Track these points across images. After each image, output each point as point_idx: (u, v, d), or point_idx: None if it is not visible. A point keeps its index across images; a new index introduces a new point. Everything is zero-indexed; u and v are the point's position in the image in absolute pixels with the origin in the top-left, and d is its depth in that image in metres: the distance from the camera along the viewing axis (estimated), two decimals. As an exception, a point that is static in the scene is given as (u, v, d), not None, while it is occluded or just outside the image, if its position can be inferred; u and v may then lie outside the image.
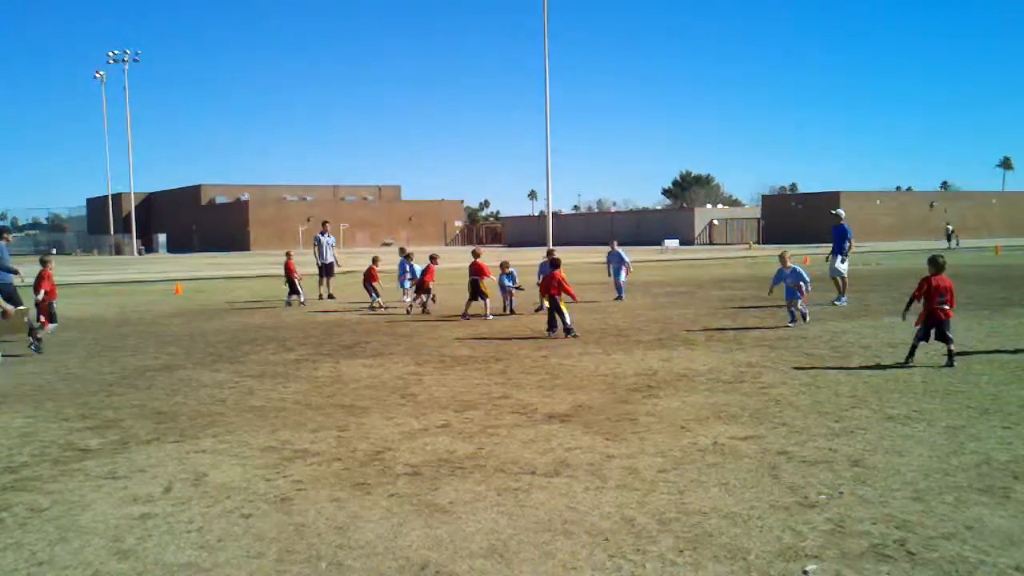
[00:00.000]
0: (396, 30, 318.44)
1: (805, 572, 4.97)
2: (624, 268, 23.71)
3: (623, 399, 10.03)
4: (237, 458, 7.80)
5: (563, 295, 15.63)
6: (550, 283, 15.60)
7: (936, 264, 11.66)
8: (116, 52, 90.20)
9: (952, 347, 11.46)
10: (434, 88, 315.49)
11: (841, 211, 22.31)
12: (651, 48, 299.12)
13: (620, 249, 24.03)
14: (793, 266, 16.70)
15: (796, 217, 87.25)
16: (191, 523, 6.07)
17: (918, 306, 11.80)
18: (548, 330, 15.75)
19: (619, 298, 23.21)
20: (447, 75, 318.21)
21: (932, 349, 11.97)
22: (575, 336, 15.37)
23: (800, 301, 16.52)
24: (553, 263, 16.29)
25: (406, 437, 8.42)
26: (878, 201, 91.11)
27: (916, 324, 11.78)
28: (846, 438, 7.97)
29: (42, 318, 17.05)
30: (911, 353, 11.77)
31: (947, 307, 11.43)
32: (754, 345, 14.04)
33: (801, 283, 16.35)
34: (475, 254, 19.72)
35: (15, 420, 9.62)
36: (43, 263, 18.03)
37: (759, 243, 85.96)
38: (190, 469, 7.47)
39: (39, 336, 15.01)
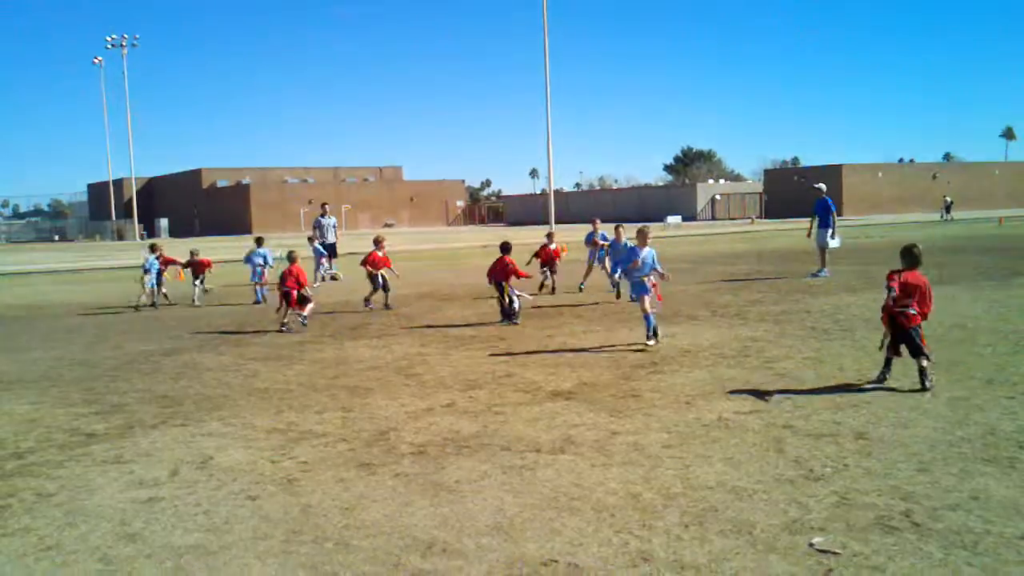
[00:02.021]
0: (393, 11, 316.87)
1: (811, 544, 4.97)
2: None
3: (627, 376, 10.03)
4: (243, 440, 7.81)
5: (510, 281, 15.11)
6: (499, 269, 15.14)
7: (911, 257, 9.23)
8: (114, 37, 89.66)
9: (925, 363, 8.82)
10: (433, 68, 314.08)
11: (822, 185, 22.54)
12: (651, 23, 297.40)
13: (604, 229, 20.84)
14: (626, 242, 15.58)
15: (798, 191, 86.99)
16: (198, 506, 6.08)
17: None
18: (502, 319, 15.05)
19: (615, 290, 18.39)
20: (446, 54, 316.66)
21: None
22: (515, 323, 14.73)
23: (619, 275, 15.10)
24: (503, 247, 15.44)
25: (411, 417, 8.43)
26: (880, 174, 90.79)
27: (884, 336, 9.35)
28: (851, 411, 7.97)
29: None
30: (885, 368, 9.21)
31: (913, 312, 8.92)
32: (758, 320, 14.03)
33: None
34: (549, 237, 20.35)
35: (20, 406, 9.64)
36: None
37: (762, 217, 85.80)
38: (196, 452, 7.48)
39: None
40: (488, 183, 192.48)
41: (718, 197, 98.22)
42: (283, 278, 15.08)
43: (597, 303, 17.32)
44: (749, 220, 79.22)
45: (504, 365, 10.94)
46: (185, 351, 13.19)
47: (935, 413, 7.80)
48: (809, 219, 21.88)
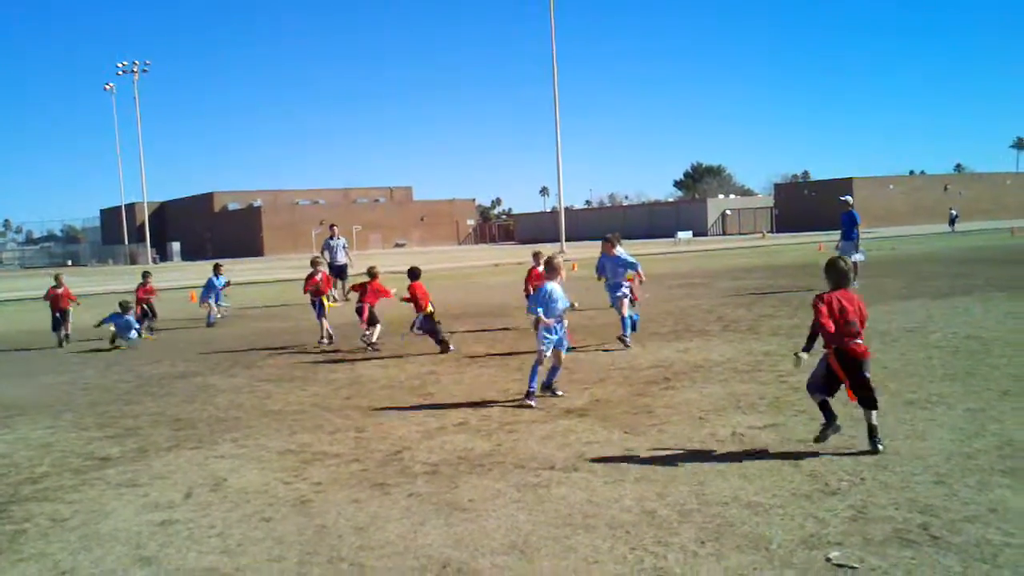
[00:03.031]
0: (400, 30, 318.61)
1: (828, 559, 4.93)
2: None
3: (640, 392, 10.00)
4: (256, 462, 7.81)
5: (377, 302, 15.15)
6: (367, 291, 15.12)
7: (837, 272, 7.51)
8: (125, 63, 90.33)
9: (874, 420, 7.04)
10: (442, 88, 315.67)
11: (849, 198, 22.46)
12: (659, 40, 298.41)
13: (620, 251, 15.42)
14: (619, 253, 13.95)
15: (809, 205, 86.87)
16: (212, 528, 6.08)
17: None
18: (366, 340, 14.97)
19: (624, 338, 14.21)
20: (455, 74, 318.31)
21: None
22: (367, 345, 14.82)
23: (627, 298, 13.83)
24: (370, 273, 15.41)
25: (424, 436, 8.41)
26: (891, 186, 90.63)
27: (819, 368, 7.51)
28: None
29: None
30: (827, 421, 7.20)
31: (860, 340, 7.17)
32: (770, 334, 13.98)
33: (626, 270, 13.72)
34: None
35: (35, 431, 9.66)
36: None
37: (772, 232, 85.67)
38: (209, 475, 7.48)
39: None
40: (498, 201, 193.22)
41: (728, 212, 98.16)
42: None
43: (615, 322, 17.28)
44: (760, 234, 79.08)
45: (517, 383, 10.91)
46: (198, 374, 13.21)
47: (951, 425, 7.75)
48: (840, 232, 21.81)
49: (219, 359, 14.73)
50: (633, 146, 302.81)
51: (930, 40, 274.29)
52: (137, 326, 17.58)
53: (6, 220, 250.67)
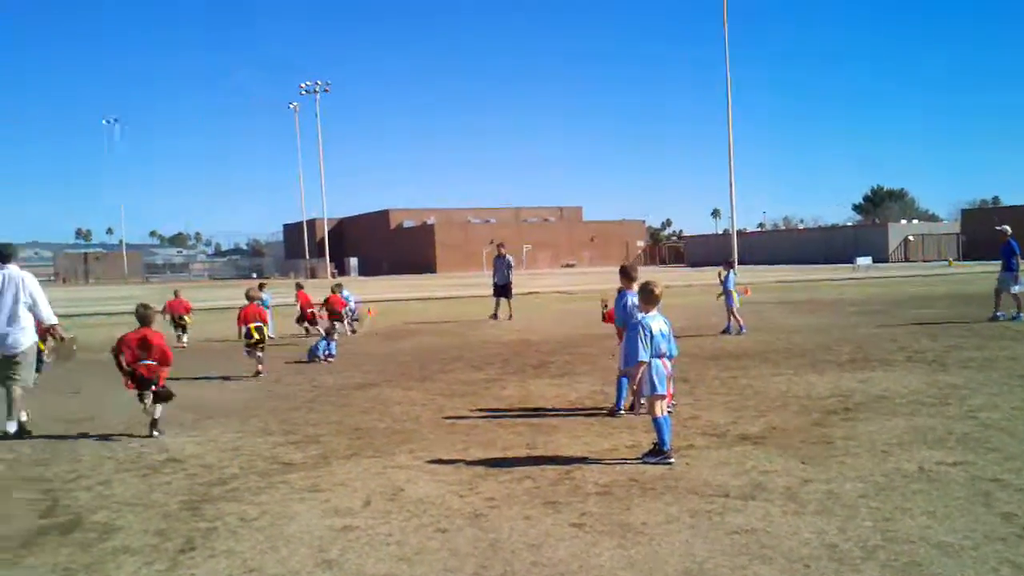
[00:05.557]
0: (574, 51, 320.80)
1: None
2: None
3: (818, 421, 9.68)
4: (431, 474, 7.98)
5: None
6: (249, 316, 15.02)
7: None
8: (308, 83, 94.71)
9: None
10: (613, 107, 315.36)
11: (1007, 227, 21.44)
12: (837, 58, 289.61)
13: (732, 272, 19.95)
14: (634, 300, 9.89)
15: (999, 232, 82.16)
16: (390, 536, 6.24)
17: None
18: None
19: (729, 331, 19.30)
20: (627, 93, 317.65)
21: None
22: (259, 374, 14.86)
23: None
24: (246, 295, 15.52)
25: (595, 456, 8.39)
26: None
27: None
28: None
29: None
30: None
31: None
32: (959, 366, 13.28)
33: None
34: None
35: (225, 434, 10.18)
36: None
37: (959, 260, 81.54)
38: (387, 484, 7.69)
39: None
40: (668, 223, 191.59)
41: (911, 238, 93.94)
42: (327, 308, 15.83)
43: (789, 348, 16.84)
44: (946, 262, 75.45)
45: (688, 407, 10.76)
46: (374, 385, 13.62)
47: None
48: None
49: (394, 372, 15.14)
50: (809, 168, 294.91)
51: None
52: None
53: (197, 233, 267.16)
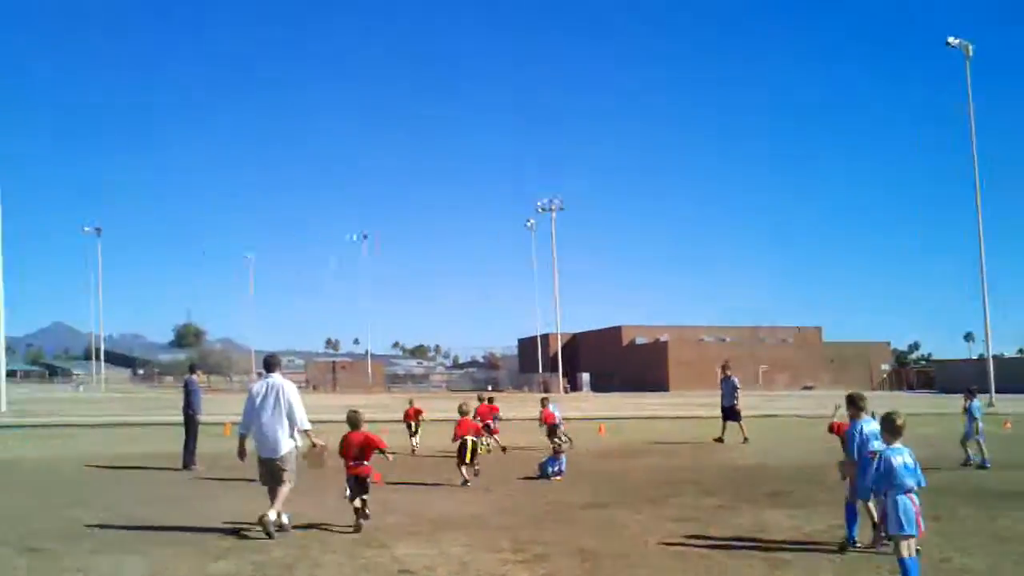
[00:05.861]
0: (818, 170, 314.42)
1: None
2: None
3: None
4: (660, 605, 7.72)
5: None
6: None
7: None
8: (544, 202, 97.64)
9: None
10: (853, 228, 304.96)
11: None
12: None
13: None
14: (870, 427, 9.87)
15: None
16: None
17: None
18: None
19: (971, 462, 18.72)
20: (868, 211, 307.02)
21: None
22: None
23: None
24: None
25: (836, 598, 7.87)
26: None
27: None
28: None
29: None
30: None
31: None
32: None
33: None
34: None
35: (454, 547, 10.29)
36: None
37: None
38: (614, 612, 7.50)
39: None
40: (916, 346, 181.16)
41: None
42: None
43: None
44: None
45: (938, 549, 9.92)
46: (603, 506, 13.44)
47: None
48: None
49: (623, 492, 14.91)
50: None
51: None
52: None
53: (436, 345, 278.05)
